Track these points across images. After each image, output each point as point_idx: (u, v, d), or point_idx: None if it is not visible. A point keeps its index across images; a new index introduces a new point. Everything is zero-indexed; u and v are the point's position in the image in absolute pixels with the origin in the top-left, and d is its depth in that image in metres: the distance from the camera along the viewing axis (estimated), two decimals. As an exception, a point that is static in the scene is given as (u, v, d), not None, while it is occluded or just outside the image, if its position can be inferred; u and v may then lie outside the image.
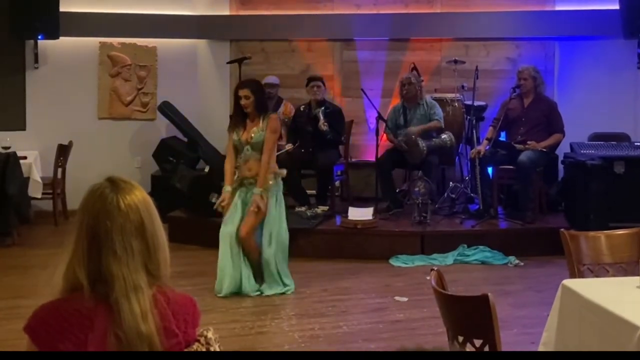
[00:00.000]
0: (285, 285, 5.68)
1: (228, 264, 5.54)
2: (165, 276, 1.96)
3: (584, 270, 3.32)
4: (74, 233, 1.91)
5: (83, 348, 1.83)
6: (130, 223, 1.89)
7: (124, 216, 1.89)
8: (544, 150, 7.03)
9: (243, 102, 5.56)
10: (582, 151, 7.14)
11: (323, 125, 7.23)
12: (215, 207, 5.71)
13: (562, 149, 7.42)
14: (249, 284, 5.58)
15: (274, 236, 5.62)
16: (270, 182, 5.59)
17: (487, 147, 7.04)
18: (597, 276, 3.31)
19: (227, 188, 5.63)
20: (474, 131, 7.43)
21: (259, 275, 5.66)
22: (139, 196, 1.94)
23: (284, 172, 5.74)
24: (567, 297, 2.96)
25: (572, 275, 3.29)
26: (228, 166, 5.70)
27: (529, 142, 6.99)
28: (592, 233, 3.45)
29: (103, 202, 1.90)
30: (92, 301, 1.86)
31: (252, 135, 5.55)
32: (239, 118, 5.66)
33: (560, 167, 7.56)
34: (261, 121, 5.56)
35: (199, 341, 1.98)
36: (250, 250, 5.62)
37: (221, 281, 5.56)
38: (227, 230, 5.57)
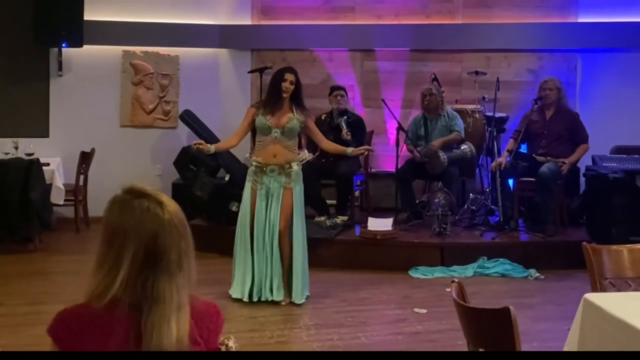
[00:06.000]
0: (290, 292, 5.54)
1: (248, 264, 5.51)
2: (193, 285, 1.95)
3: (606, 284, 3.29)
4: (114, 246, 1.85)
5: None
6: (183, 240, 1.89)
7: (179, 234, 1.88)
8: (565, 162, 6.97)
9: (287, 85, 5.45)
10: (604, 164, 7.09)
11: (346, 134, 7.21)
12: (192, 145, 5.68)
13: (584, 162, 7.36)
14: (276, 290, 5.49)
15: (301, 230, 5.52)
16: (296, 168, 5.50)
17: (508, 159, 6.99)
18: (619, 290, 3.29)
19: (212, 147, 5.60)
20: (495, 143, 7.39)
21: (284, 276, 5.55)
22: (175, 209, 1.92)
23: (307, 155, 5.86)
24: (589, 311, 2.94)
25: (594, 289, 3.26)
26: (230, 140, 5.70)
27: (562, 161, 6.92)
28: (614, 247, 3.43)
29: (156, 220, 1.87)
30: (115, 308, 1.85)
31: (287, 121, 5.45)
32: (271, 102, 5.51)
33: (582, 179, 7.50)
34: (294, 111, 5.48)
35: (220, 350, 1.99)
36: (284, 246, 5.51)
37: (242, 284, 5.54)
38: (246, 223, 5.50)
